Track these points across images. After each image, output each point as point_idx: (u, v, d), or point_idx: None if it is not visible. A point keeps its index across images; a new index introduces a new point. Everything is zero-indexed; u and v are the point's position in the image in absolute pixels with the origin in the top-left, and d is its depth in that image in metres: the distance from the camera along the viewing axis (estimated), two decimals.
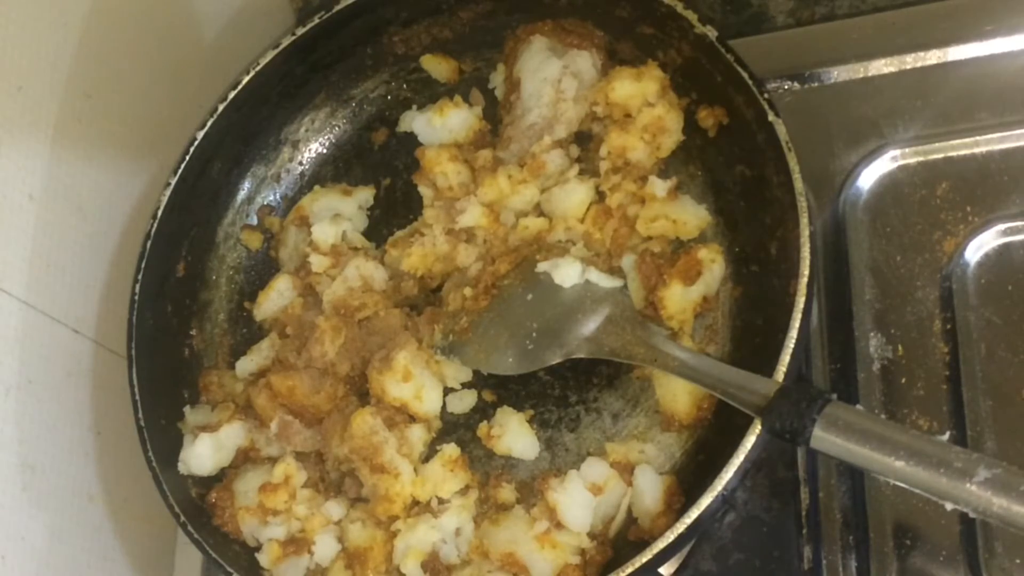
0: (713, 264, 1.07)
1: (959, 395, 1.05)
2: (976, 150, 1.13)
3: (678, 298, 1.06)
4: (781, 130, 1.00)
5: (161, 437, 1.12)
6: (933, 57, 1.18)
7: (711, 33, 1.05)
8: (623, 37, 1.16)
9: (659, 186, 1.10)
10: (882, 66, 1.19)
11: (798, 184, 0.98)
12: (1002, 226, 1.10)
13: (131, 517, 1.21)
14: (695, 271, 1.07)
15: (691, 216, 1.10)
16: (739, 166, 1.09)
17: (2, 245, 1.03)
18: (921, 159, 1.15)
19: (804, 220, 0.97)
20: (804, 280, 0.95)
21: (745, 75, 1.03)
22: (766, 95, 1.02)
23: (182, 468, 1.13)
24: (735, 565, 1.08)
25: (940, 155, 1.14)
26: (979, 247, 1.10)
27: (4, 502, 1.04)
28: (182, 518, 1.07)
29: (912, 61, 1.18)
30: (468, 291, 1.13)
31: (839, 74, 1.21)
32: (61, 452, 1.12)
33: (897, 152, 1.15)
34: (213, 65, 1.25)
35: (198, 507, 1.12)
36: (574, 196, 1.13)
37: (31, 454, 1.08)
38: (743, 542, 1.08)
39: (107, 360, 1.19)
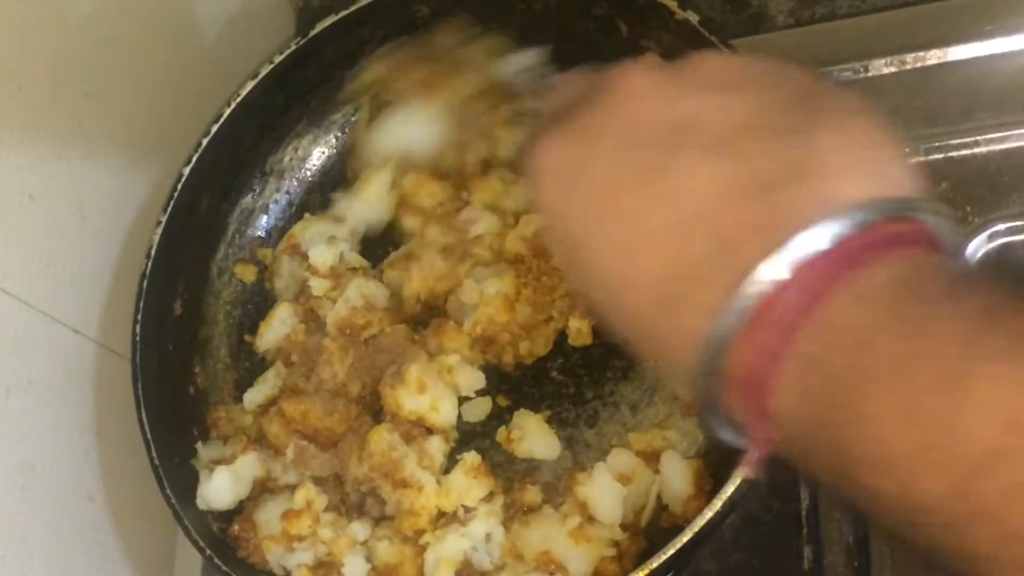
0: None
1: None
2: (976, 150, 1.13)
3: None
4: None
5: (176, 475, 1.11)
6: (933, 57, 1.17)
7: (692, 18, 1.03)
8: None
9: None
10: (882, 66, 1.19)
11: None
12: (1002, 226, 1.09)
13: (131, 517, 1.21)
14: None
15: None
16: None
17: (2, 245, 1.03)
18: (921, 159, 1.14)
19: None
20: None
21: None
22: None
23: (201, 504, 1.11)
24: (735, 565, 1.08)
25: (940, 155, 1.14)
26: (979, 247, 1.09)
27: (4, 502, 1.04)
28: (207, 552, 1.05)
29: (912, 61, 1.18)
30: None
31: (839, 74, 1.20)
32: (61, 452, 1.12)
33: None
34: (214, 65, 1.25)
35: (222, 541, 1.11)
36: None
37: (31, 454, 1.08)
38: (743, 542, 1.08)
39: (107, 360, 1.19)
